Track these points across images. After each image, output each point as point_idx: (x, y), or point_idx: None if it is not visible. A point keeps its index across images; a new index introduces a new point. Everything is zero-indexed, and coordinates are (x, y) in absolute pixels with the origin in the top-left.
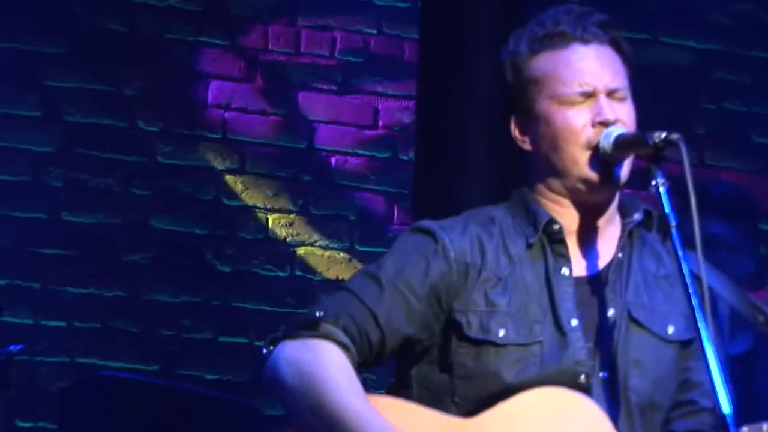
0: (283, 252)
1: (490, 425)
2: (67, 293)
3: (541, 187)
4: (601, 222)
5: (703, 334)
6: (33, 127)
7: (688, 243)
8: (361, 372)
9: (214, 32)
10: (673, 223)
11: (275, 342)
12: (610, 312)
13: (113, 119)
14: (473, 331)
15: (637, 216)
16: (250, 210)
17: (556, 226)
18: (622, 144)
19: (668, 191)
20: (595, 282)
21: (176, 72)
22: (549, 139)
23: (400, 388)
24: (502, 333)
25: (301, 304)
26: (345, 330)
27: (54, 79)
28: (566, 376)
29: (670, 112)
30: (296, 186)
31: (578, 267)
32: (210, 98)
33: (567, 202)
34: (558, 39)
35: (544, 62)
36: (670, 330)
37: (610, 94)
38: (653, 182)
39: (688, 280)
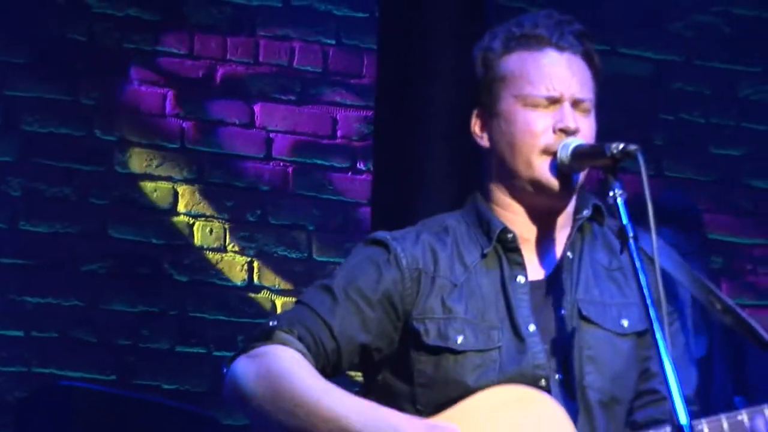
0: (240, 262)
1: (450, 422)
2: (25, 303)
3: (494, 189)
4: (556, 226)
5: (660, 342)
6: None
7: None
8: None
9: (173, 42)
10: (631, 234)
11: (232, 360)
12: (563, 312)
13: (71, 129)
14: (431, 339)
15: (585, 212)
16: (207, 220)
17: (510, 235)
18: (580, 155)
19: (626, 202)
20: (549, 283)
21: (134, 81)
22: (507, 138)
23: (365, 395)
24: (460, 339)
25: (259, 314)
26: (300, 339)
27: (13, 88)
28: (526, 379)
29: (629, 122)
30: (254, 196)
31: (533, 271)
32: (168, 108)
33: (519, 208)
34: (534, 41)
35: (515, 61)
36: (625, 323)
37: (576, 104)
38: (611, 193)
39: (646, 291)
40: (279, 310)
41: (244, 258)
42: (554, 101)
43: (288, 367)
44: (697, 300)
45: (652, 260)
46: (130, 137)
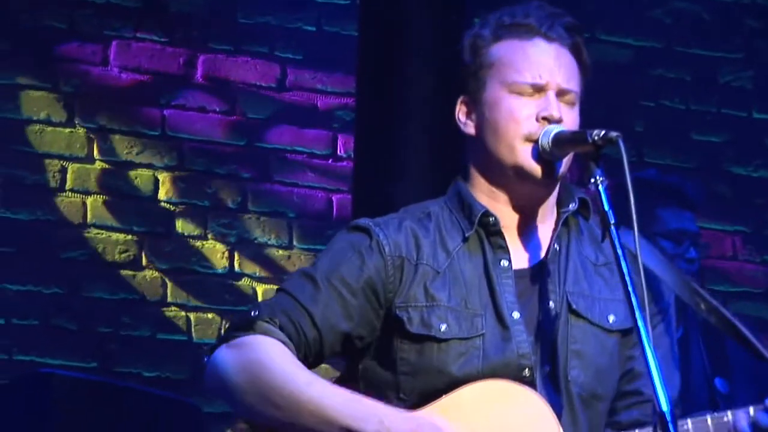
0: (221, 249)
1: (435, 415)
2: (6, 290)
3: (477, 177)
4: (538, 215)
5: (642, 332)
6: None
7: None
8: None
9: (153, 29)
10: (612, 221)
11: (214, 349)
12: (550, 304)
13: (51, 116)
14: (415, 327)
15: (572, 205)
16: (188, 207)
17: (492, 219)
18: (562, 141)
19: (607, 189)
20: (534, 274)
21: (115, 68)
22: (492, 125)
23: (347, 382)
24: (443, 327)
25: (240, 302)
26: (282, 328)
27: None
28: (510, 368)
29: (609, 109)
30: (235, 183)
31: (517, 259)
32: (149, 95)
33: (502, 195)
34: (524, 30)
35: (504, 48)
36: (611, 319)
37: (561, 94)
38: (592, 180)
39: (627, 278)
40: (260, 298)
41: (224, 245)
42: (539, 89)
43: (270, 357)
44: (682, 283)
45: (634, 256)
46: (111, 124)
